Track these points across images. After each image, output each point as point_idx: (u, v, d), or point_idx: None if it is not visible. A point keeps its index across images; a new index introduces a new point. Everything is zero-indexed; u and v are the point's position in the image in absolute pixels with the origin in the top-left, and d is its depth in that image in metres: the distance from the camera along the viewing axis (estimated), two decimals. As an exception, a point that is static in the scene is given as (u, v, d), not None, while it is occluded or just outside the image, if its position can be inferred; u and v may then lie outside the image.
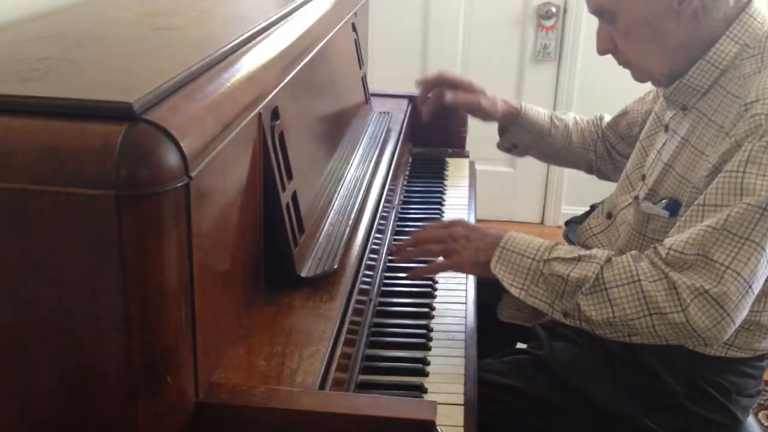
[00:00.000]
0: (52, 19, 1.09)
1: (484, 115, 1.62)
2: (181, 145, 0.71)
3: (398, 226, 1.58)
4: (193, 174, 0.73)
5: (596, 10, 1.23)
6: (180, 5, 1.23)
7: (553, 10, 2.99)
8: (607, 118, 1.63)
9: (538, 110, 1.62)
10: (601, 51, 1.26)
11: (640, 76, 1.27)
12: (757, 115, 1.07)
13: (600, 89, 3.05)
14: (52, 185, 0.68)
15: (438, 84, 1.65)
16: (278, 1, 1.45)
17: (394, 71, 2.91)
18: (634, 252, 1.16)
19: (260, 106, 0.96)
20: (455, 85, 1.63)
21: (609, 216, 1.39)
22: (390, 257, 1.42)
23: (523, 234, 1.22)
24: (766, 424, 2.21)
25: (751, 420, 1.30)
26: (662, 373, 1.23)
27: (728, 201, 1.07)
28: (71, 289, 0.72)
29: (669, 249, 1.10)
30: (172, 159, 0.71)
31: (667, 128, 1.29)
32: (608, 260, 1.14)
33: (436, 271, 1.35)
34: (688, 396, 1.23)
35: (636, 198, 1.29)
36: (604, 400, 1.26)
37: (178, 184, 0.71)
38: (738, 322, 1.09)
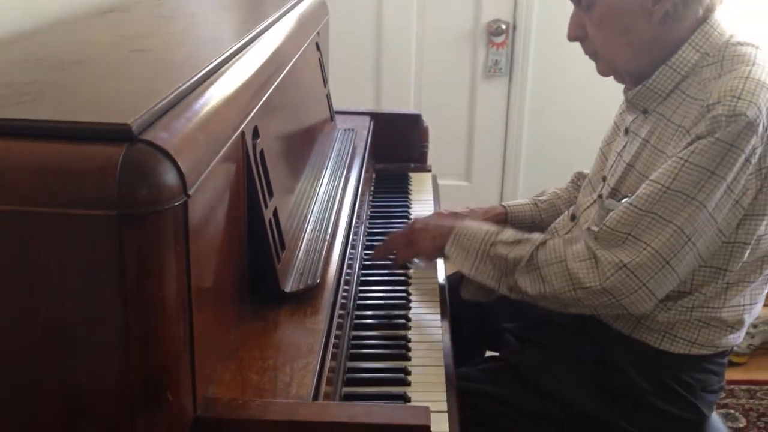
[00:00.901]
0: (27, 43, 1.09)
1: None
2: (179, 164, 0.73)
3: (368, 240, 1.61)
4: (190, 192, 0.74)
5: None
6: (152, 28, 1.24)
7: (503, 27, 3.07)
8: (586, 171, 1.63)
9: (520, 203, 1.66)
10: (572, 37, 1.33)
11: (604, 70, 1.34)
12: (718, 116, 1.14)
13: (551, 104, 3.14)
14: (54, 207, 0.69)
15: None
16: (245, 22, 1.47)
17: (349, 89, 2.94)
18: (569, 236, 1.29)
19: (243, 125, 0.98)
20: None
21: (573, 218, 1.45)
22: (363, 271, 1.45)
23: (475, 222, 1.40)
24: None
25: (714, 416, 1.36)
26: (631, 373, 1.28)
27: (666, 182, 1.17)
28: (72, 307, 0.73)
29: (603, 224, 1.22)
30: (171, 178, 0.72)
31: (627, 131, 1.36)
32: (543, 243, 1.28)
33: (401, 261, 1.49)
34: (656, 394, 1.28)
35: (600, 197, 1.36)
36: (576, 402, 1.30)
37: (177, 203, 0.73)
38: (658, 294, 1.20)
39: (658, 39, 1.25)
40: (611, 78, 1.36)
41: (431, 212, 1.76)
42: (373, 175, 1.95)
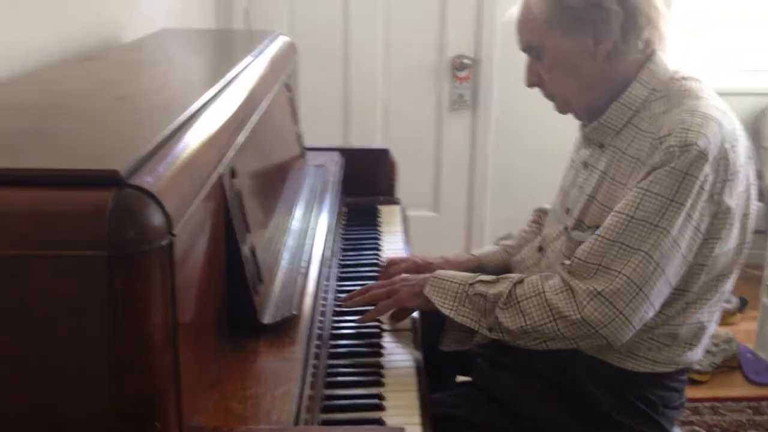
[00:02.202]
0: (8, 92, 1.13)
1: None
2: (164, 206, 0.78)
3: (340, 272, 1.67)
4: (175, 232, 0.79)
5: (526, 47, 1.41)
6: (130, 74, 1.30)
7: (467, 62, 3.18)
8: (546, 205, 1.68)
9: (490, 250, 1.69)
10: (529, 84, 1.44)
11: (562, 108, 1.44)
12: (671, 147, 1.23)
13: (515, 135, 3.24)
14: (48, 249, 0.74)
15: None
16: (219, 66, 1.53)
17: (318, 125, 3.01)
18: (546, 273, 1.33)
19: (221, 167, 1.03)
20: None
21: (540, 249, 1.52)
22: (337, 303, 1.50)
23: (452, 270, 1.43)
24: (687, 439, 2.36)
25: (677, 431, 1.43)
26: (593, 391, 1.35)
27: (630, 212, 1.24)
28: (64, 342, 0.77)
29: (575, 258, 1.28)
30: (157, 219, 0.77)
31: (586, 165, 1.44)
32: (520, 280, 1.33)
33: (383, 311, 1.45)
34: (620, 411, 1.35)
35: (566, 228, 1.43)
36: (545, 422, 1.36)
37: (164, 242, 0.78)
38: (634, 322, 1.24)
39: (606, 76, 1.35)
40: None
41: (403, 250, 1.82)
42: (344, 209, 2.01)
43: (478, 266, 1.63)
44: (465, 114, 3.27)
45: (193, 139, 0.97)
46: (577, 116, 1.45)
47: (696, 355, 1.38)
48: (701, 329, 1.36)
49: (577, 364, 1.36)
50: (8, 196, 0.74)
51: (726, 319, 2.87)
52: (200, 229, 0.93)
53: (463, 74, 3.20)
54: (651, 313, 1.26)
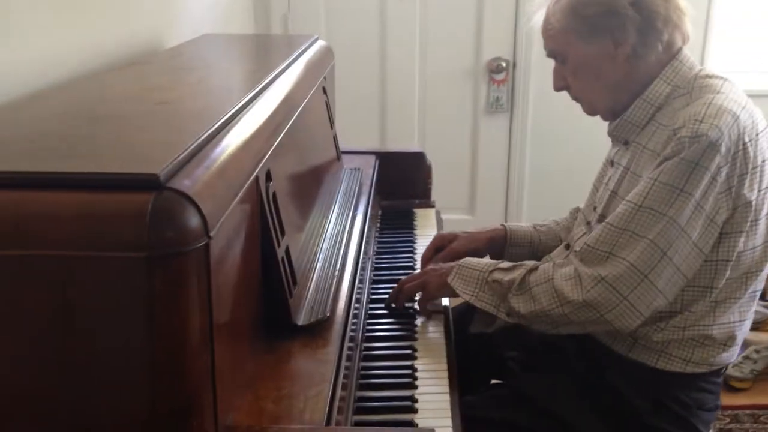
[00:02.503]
0: (60, 98, 1.17)
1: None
2: (202, 209, 0.80)
3: (374, 275, 1.68)
4: (212, 234, 0.82)
5: (551, 53, 1.45)
6: (171, 79, 1.33)
7: (503, 64, 3.17)
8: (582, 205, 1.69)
9: (520, 224, 1.73)
10: (557, 88, 1.47)
11: (588, 110, 1.48)
12: (682, 138, 1.25)
13: (551, 138, 3.23)
14: (92, 250, 0.76)
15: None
16: (256, 71, 1.56)
17: (355, 128, 3.03)
18: (561, 261, 1.37)
19: (257, 170, 1.06)
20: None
21: (567, 247, 1.54)
22: (371, 305, 1.52)
23: (476, 258, 1.50)
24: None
25: (711, 438, 1.41)
26: (626, 393, 1.35)
27: (638, 201, 1.27)
28: (105, 341, 0.80)
29: (585, 244, 1.32)
30: (194, 222, 0.79)
31: (612, 163, 1.46)
32: (535, 267, 1.38)
33: (412, 294, 1.53)
34: (653, 413, 1.35)
35: (588, 224, 1.45)
36: (576, 423, 1.37)
37: (201, 244, 0.80)
38: (640, 309, 1.26)
39: (629, 77, 1.38)
40: None
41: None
42: (379, 212, 2.02)
43: (503, 235, 1.67)
44: (502, 116, 3.26)
45: (230, 143, 1.00)
46: (604, 117, 1.47)
47: (730, 357, 1.38)
48: (733, 330, 1.36)
49: (609, 365, 1.37)
50: (52, 199, 0.77)
51: (766, 326, 2.82)
52: (236, 232, 0.96)
53: (499, 77, 3.19)
54: (661, 302, 1.28)
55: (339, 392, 1.03)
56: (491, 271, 1.41)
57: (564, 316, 1.31)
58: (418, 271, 1.65)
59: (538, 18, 1.45)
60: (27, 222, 0.77)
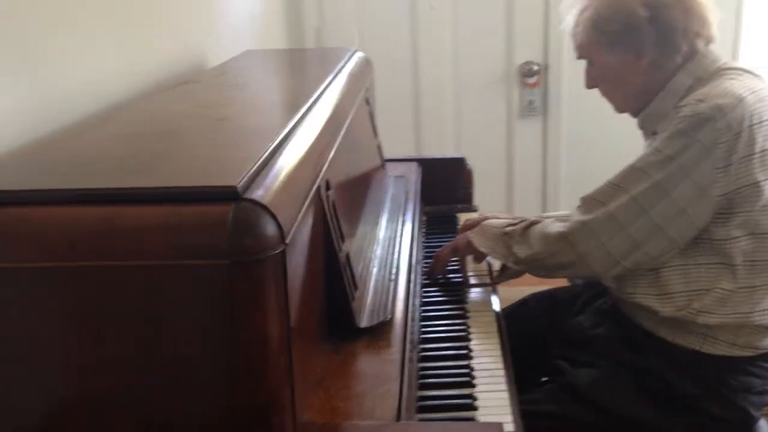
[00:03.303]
0: (123, 119, 1.23)
1: None
2: (277, 217, 0.85)
3: (423, 279, 1.71)
4: (287, 241, 0.86)
5: (580, 56, 1.56)
6: (224, 96, 1.39)
7: (535, 68, 3.20)
8: None
9: (555, 213, 1.81)
10: (588, 86, 1.58)
11: (617, 109, 1.59)
12: (684, 115, 1.34)
13: (586, 139, 3.24)
14: (176, 260, 0.81)
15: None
16: (303, 85, 1.61)
17: (391, 135, 3.07)
18: (565, 215, 1.50)
19: (318, 180, 1.10)
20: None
21: None
22: (423, 308, 1.56)
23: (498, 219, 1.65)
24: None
25: (763, 422, 1.43)
26: (673, 378, 1.38)
27: (634, 163, 1.40)
28: (190, 345, 0.84)
29: (585, 195, 1.46)
30: (271, 230, 0.84)
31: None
32: (537, 220, 1.53)
33: (447, 259, 1.70)
34: (701, 396, 1.38)
35: None
36: (628, 412, 1.40)
37: (278, 251, 0.84)
38: (618, 257, 1.38)
39: (651, 84, 1.46)
40: None
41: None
42: (423, 218, 2.06)
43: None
44: (536, 120, 3.28)
45: (292, 155, 1.04)
46: (632, 114, 1.55)
47: None
48: None
49: (654, 351, 1.40)
50: (139, 213, 0.82)
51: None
52: (305, 239, 1.00)
53: (532, 80, 3.22)
54: (643, 259, 1.38)
55: (406, 389, 1.07)
56: (504, 227, 1.56)
57: (554, 258, 1.44)
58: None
59: (570, 19, 1.53)
60: (117, 234, 0.82)
